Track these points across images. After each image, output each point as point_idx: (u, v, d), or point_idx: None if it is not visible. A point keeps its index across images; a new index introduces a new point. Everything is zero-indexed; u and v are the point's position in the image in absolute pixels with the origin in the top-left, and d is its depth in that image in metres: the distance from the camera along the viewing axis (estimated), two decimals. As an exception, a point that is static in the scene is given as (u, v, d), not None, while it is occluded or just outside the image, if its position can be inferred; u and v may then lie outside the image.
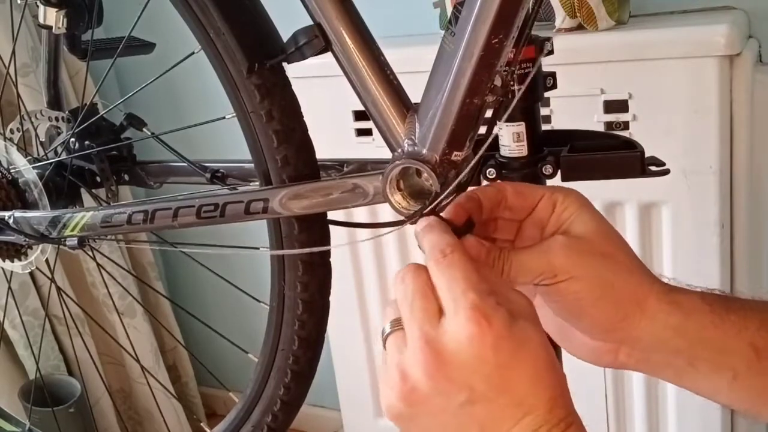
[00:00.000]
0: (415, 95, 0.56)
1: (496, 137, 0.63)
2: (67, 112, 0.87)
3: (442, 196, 0.50)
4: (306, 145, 0.65)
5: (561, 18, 1.01)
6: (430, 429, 0.43)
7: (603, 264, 0.46)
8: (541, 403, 0.41)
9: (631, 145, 0.62)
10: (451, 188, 0.51)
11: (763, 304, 0.47)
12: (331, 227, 0.68)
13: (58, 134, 0.88)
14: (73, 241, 0.78)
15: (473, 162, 0.53)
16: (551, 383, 0.42)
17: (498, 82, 0.50)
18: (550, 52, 0.61)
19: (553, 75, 0.62)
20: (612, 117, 0.99)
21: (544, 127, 0.65)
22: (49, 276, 1.21)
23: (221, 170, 0.77)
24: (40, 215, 0.79)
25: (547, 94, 0.62)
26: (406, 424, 0.43)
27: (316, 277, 0.69)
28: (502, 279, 0.46)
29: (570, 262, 0.45)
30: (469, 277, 0.43)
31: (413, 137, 0.54)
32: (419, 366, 0.42)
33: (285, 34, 0.61)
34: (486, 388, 0.41)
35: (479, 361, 0.41)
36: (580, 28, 1.01)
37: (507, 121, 0.61)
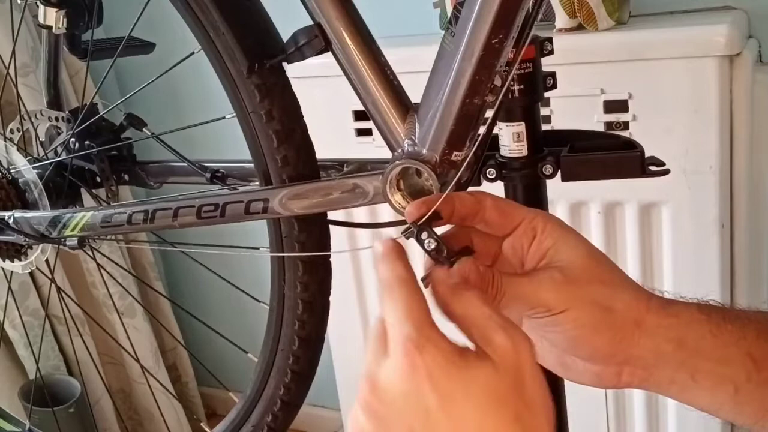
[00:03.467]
0: (415, 95, 0.56)
1: (496, 137, 0.63)
2: (67, 112, 0.87)
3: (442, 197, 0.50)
4: (306, 145, 0.65)
5: (561, 18, 1.01)
6: None
7: (596, 289, 0.45)
8: None
9: (631, 145, 0.62)
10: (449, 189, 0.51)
11: (759, 314, 0.47)
12: (332, 227, 0.68)
13: (58, 134, 0.88)
14: (73, 241, 0.78)
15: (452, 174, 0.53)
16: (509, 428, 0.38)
17: (498, 82, 0.50)
18: (550, 52, 0.61)
19: (553, 75, 0.62)
20: (612, 117, 0.99)
21: (544, 127, 0.65)
22: (49, 276, 1.21)
23: (221, 170, 0.77)
24: (40, 215, 0.79)
25: (547, 94, 0.62)
26: None
27: (317, 277, 0.69)
28: (489, 311, 0.42)
29: (562, 297, 0.45)
30: (410, 308, 0.41)
31: (413, 137, 0.54)
32: (359, 404, 0.41)
33: (285, 34, 0.61)
34: (425, 428, 0.39)
35: (413, 397, 0.39)
36: (580, 28, 1.01)
37: (507, 120, 0.61)
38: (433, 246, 0.47)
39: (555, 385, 0.66)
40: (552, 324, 0.46)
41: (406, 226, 0.48)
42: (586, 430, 1.11)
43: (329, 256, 0.69)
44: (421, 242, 0.47)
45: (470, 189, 0.52)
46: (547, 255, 0.47)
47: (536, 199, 0.64)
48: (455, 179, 0.53)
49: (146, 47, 0.86)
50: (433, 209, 0.47)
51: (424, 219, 0.47)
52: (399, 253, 0.45)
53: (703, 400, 0.47)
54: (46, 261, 0.93)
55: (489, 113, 0.53)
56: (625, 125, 0.99)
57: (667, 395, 0.48)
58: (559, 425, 0.68)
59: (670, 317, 0.45)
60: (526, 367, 0.40)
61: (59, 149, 0.85)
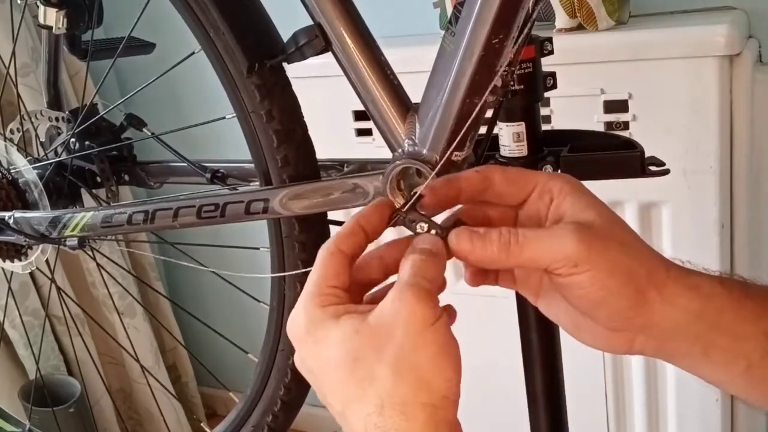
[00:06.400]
0: (415, 95, 0.56)
1: (496, 137, 0.63)
2: (67, 113, 0.87)
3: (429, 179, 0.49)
4: (306, 145, 0.65)
5: (561, 18, 1.01)
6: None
7: (621, 250, 0.44)
8: (371, 399, 0.40)
9: (631, 145, 0.62)
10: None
11: None
12: (332, 227, 0.68)
13: (59, 134, 0.88)
14: (74, 242, 0.78)
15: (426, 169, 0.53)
16: (352, 393, 0.41)
17: (498, 82, 0.50)
18: (550, 52, 0.61)
19: (553, 75, 0.62)
20: (612, 117, 0.99)
21: (544, 127, 0.65)
22: (50, 276, 1.21)
23: (221, 170, 0.77)
24: (40, 215, 0.79)
25: (547, 94, 0.62)
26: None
27: (317, 277, 0.69)
28: (411, 275, 0.43)
29: (587, 251, 0.43)
30: (309, 279, 0.44)
31: (413, 137, 0.54)
32: None
33: (285, 34, 0.61)
34: (314, 386, 0.45)
35: (301, 361, 0.45)
36: (580, 28, 1.01)
37: (507, 120, 0.61)
38: (425, 228, 0.47)
39: (551, 346, 0.66)
40: (576, 285, 0.44)
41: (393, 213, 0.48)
42: (586, 426, 1.11)
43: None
44: (411, 227, 0.47)
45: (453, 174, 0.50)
46: (566, 216, 0.45)
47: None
48: (439, 165, 0.51)
49: (146, 47, 0.86)
50: (418, 193, 0.47)
51: (408, 204, 0.47)
52: (350, 228, 0.46)
53: (714, 375, 0.47)
54: (46, 261, 0.93)
55: (489, 113, 0.53)
56: (625, 125, 0.99)
57: (678, 366, 0.48)
58: (559, 422, 0.69)
59: (690, 289, 0.44)
60: (399, 327, 0.40)
61: (59, 149, 0.85)
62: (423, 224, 0.47)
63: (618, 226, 0.45)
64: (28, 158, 0.86)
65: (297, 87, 0.64)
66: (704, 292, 0.45)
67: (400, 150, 0.55)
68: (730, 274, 0.48)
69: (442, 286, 0.44)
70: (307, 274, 0.46)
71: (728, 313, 0.44)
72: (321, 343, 0.42)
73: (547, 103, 1.02)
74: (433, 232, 0.46)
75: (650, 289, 0.44)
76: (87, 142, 0.83)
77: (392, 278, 0.45)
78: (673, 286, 0.45)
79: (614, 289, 0.44)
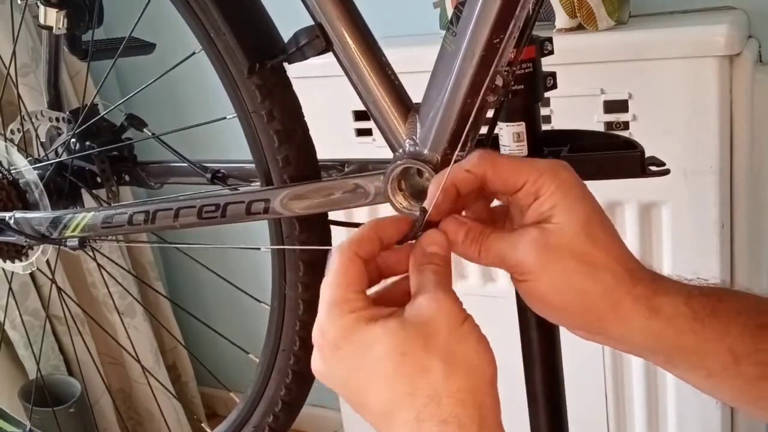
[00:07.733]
0: (416, 95, 0.56)
1: (496, 137, 0.63)
2: (67, 113, 0.87)
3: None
4: (307, 145, 0.65)
5: (561, 18, 1.01)
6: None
7: (575, 267, 0.44)
8: (402, 407, 0.41)
9: (631, 145, 0.62)
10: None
11: (750, 303, 0.46)
12: (333, 227, 0.69)
13: (59, 135, 0.88)
14: (74, 242, 0.78)
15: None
16: (401, 388, 0.41)
17: (499, 81, 0.50)
18: (550, 52, 0.61)
19: (553, 75, 0.62)
20: (612, 117, 0.99)
21: (544, 127, 0.65)
22: (50, 276, 1.21)
23: (222, 170, 0.77)
24: (40, 216, 0.79)
25: (547, 94, 0.62)
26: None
27: (318, 277, 0.69)
28: (433, 279, 0.45)
29: (538, 264, 0.44)
30: (328, 283, 0.45)
31: (414, 137, 0.54)
32: None
33: (285, 34, 0.61)
34: (351, 395, 0.44)
35: (331, 375, 0.44)
36: (580, 28, 1.02)
37: (507, 120, 0.61)
38: None
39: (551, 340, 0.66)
40: (523, 290, 0.47)
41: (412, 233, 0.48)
42: (586, 426, 1.11)
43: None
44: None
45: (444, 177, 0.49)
46: (543, 216, 0.46)
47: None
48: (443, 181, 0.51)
49: (147, 48, 0.86)
50: (423, 221, 0.47)
51: (421, 226, 0.47)
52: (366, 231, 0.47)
53: (679, 376, 0.48)
54: (47, 261, 0.93)
55: (490, 113, 0.53)
56: (625, 125, 0.99)
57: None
58: (559, 422, 0.69)
59: (651, 310, 0.44)
60: (442, 323, 0.42)
61: (60, 150, 0.85)
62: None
63: (589, 238, 0.45)
64: (29, 159, 0.86)
65: (298, 87, 0.65)
66: (665, 313, 0.45)
67: (401, 150, 0.55)
68: (701, 284, 0.47)
69: None
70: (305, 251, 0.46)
71: (689, 336, 0.45)
72: (360, 346, 0.42)
73: (547, 103, 1.02)
74: None
75: (601, 308, 0.45)
76: (87, 143, 0.83)
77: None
78: (631, 307, 0.45)
79: (558, 303, 0.46)
